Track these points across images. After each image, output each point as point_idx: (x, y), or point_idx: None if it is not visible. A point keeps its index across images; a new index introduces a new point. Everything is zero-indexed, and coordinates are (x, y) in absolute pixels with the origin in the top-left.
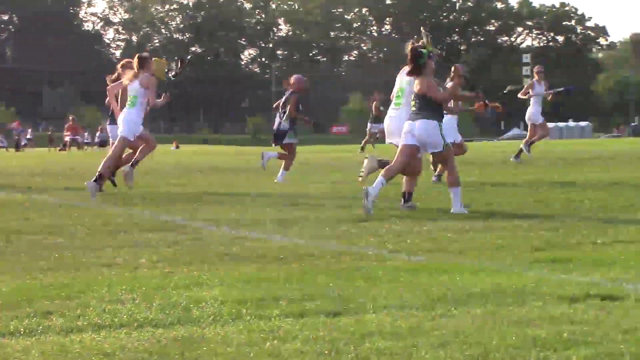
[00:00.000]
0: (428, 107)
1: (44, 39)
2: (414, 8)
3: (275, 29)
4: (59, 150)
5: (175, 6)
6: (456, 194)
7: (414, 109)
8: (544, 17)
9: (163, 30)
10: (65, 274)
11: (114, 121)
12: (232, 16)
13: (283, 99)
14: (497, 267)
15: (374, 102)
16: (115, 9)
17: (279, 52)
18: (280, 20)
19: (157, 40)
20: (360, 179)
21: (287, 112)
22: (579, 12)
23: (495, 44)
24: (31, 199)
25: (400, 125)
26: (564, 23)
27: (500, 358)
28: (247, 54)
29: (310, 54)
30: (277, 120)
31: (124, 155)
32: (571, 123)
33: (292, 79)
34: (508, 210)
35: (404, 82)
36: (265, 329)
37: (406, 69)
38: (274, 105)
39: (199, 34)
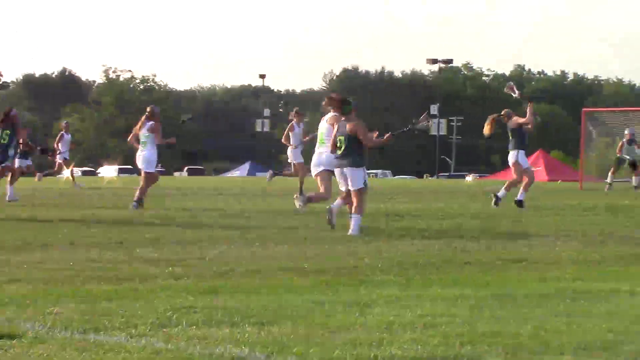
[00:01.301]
0: (354, 150)
1: None
2: None
3: None
4: None
5: None
6: (357, 219)
7: (343, 151)
8: None
9: None
10: None
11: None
12: None
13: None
14: None
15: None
16: None
17: None
18: None
19: None
20: None
21: None
22: None
23: None
24: None
25: (323, 159)
26: None
27: None
28: None
29: None
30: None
31: None
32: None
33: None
34: None
35: (324, 128)
36: None
37: (327, 117)
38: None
39: None
